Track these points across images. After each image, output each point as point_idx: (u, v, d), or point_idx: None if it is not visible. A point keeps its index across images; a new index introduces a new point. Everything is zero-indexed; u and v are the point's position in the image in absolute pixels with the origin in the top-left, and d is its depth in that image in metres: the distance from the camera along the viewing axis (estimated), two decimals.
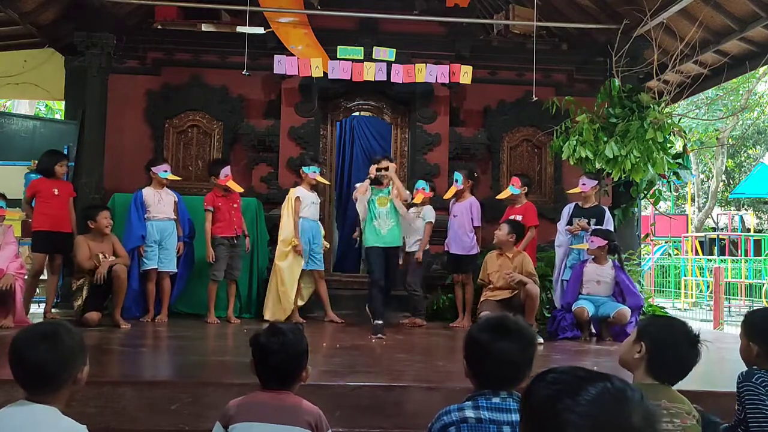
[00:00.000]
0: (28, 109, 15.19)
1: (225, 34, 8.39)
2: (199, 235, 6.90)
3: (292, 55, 7.75)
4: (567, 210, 6.80)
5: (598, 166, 6.86)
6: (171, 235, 6.70)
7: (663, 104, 7.09)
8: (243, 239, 6.87)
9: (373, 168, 6.64)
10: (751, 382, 2.50)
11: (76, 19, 7.51)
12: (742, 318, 2.79)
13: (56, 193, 6.43)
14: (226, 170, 6.78)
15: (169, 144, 8.28)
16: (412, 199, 6.83)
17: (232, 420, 2.27)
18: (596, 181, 6.76)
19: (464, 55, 8.17)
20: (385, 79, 7.71)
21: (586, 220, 6.58)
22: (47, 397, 1.92)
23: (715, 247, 17.03)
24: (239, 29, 8.12)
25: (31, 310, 6.64)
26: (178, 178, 6.95)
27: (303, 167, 7.00)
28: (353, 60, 7.70)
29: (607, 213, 6.70)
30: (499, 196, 7.39)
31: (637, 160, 6.75)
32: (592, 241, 6.27)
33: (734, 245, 17.35)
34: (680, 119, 8.45)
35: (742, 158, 23.78)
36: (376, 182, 6.59)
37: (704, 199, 23.51)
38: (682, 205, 23.01)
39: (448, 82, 7.84)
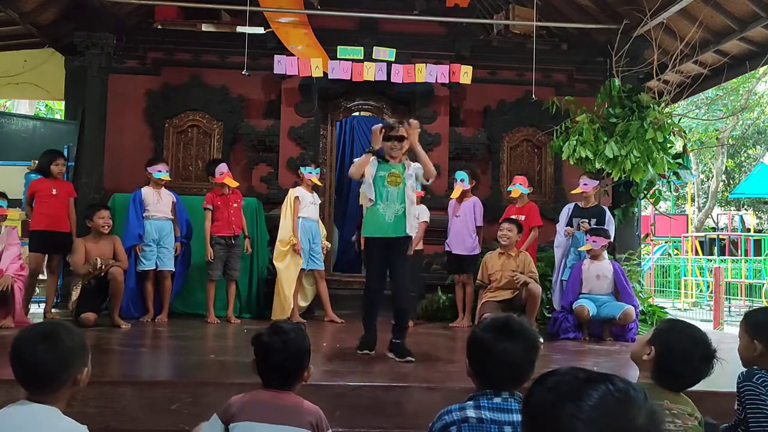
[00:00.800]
0: (28, 109, 15.19)
1: (225, 34, 8.39)
2: (197, 235, 6.90)
3: (292, 55, 7.75)
4: (566, 210, 6.79)
5: (598, 166, 6.85)
6: (168, 234, 6.71)
7: (663, 104, 7.08)
8: (242, 239, 6.87)
9: (376, 132, 4.80)
10: (752, 382, 2.50)
11: (76, 19, 7.51)
12: (742, 318, 2.78)
13: (54, 192, 6.42)
14: (221, 168, 6.78)
15: (169, 144, 8.28)
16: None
17: (234, 418, 2.27)
18: (597, 181, 6.76)
19: (464, 55, 8.17)
20: (385, 79, 7.71)
21: (587, 221, 6.57)
22: (47, 397, 1.92)
23: (715, 247, 17.03)
24: (239, 29, 8.12)
25: (31, 310, 6.64)
26: (169, 179, 6.88)
27: (301, 168, 7.01)
28: (353, 60, 7.70)
29: (608, 213, 6.69)
30: (512, 195, 7.10)
31: (637, 160, 6.74)
32: (595, 241, 6.25)
33: (734, 245, 17.35)
34: (680, 119, 8.44)
35: (742, 158, 23.78)
36: (381, 155, 4.94)
37: (704, 199, 23.51)
38: (682, 205, 23.01)
39: (448, 82, 7.84)
